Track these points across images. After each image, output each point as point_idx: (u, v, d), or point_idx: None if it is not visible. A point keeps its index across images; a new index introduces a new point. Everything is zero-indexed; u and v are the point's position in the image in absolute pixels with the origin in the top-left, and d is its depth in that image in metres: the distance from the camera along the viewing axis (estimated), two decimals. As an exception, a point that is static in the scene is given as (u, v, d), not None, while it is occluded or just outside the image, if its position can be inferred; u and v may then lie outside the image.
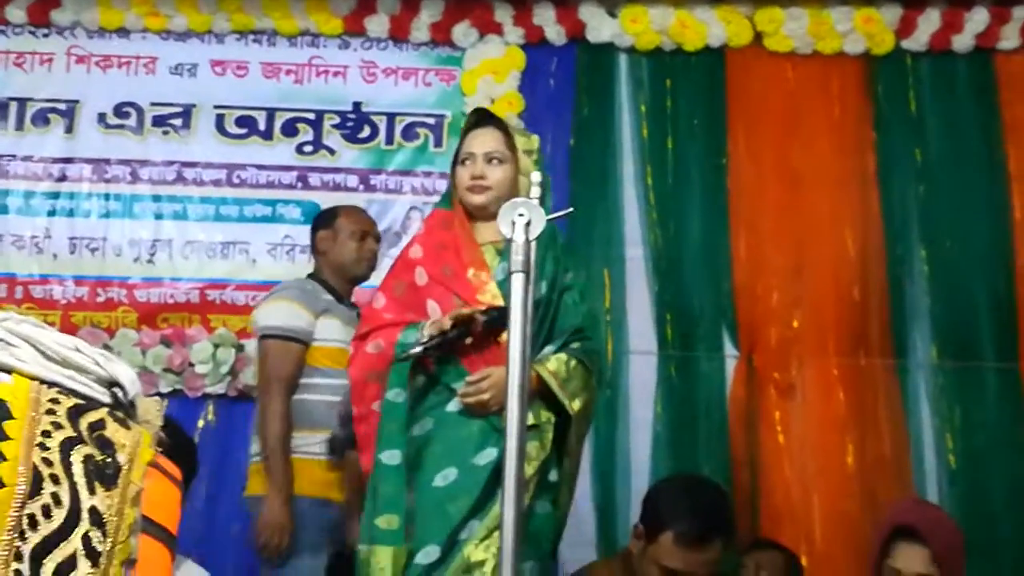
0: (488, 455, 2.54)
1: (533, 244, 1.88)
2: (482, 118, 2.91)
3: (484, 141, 2.81)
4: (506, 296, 2.60)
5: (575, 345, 2.67)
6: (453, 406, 2.61)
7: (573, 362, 2.62)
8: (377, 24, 4.28)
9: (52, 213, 4.15)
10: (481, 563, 2.43)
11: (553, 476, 2.61)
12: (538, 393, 2.56)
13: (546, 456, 2.57)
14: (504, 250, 2.72)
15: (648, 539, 2.67)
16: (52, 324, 3.91)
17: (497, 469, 2.48)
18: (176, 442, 1.30)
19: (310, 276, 3.50)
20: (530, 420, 2.49)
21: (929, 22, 4.25)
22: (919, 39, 4.25)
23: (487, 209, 2.75)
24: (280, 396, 3.22)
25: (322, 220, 3.56)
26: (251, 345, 3.97)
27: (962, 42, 4.25)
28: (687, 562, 2.63)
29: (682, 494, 2.82)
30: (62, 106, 4.23)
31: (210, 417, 4.00)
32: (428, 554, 2.47)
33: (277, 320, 3.29)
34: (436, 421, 2.61)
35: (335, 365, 3.22)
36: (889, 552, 2.66)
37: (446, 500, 2.51)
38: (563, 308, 2.69)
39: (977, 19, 4.24)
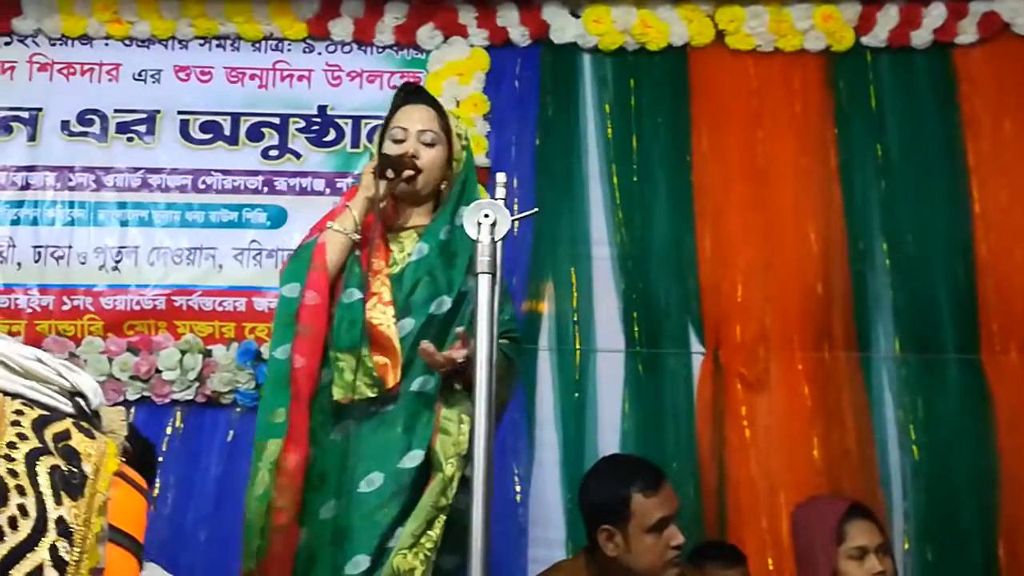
0: (414, 457, 2.47)
1: (499, 245, 1.89)
2: (413, 94, 2.79)
3: (419, 118, 2.70)
4: (414, 284, 2.59)
5: (503, 342, 2.54)
6: (375, 406, 2.52)
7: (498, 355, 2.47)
8: (341, 28, 4.28)
9: (16, 222, 4.11)
10: (411, 571, 2.36)
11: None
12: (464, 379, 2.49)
13: (466, 453, 2.46)
14: (424, 233, 2.66)
15: (621, 529, 2.67)
16: (17, 334, 3.93)
17: (421, 471, 2.47)
18: (134, 446, 1.30)
19: None
20: (464, 422, 2.49)
21: (888, 18, 4.29)
22: (878, 35, 4.29)
23: (416, 193, 2.69)
24: None
25: None
26: (218, 351, 3.97)
27: (920, 37, 4.29)
28: (669, 504, 2.70)
29: (607, 468, 2.91)
30: (25, 114, 4.20)
31: (178, 424, 3.98)
32: (357, 564, 2.39)
33: None
34: (358, 423, 2.51)
35: None
36: (844, 537, 2.82)
37: (375, 508, 2.43)
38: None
39: (935, 14, 4.28)
